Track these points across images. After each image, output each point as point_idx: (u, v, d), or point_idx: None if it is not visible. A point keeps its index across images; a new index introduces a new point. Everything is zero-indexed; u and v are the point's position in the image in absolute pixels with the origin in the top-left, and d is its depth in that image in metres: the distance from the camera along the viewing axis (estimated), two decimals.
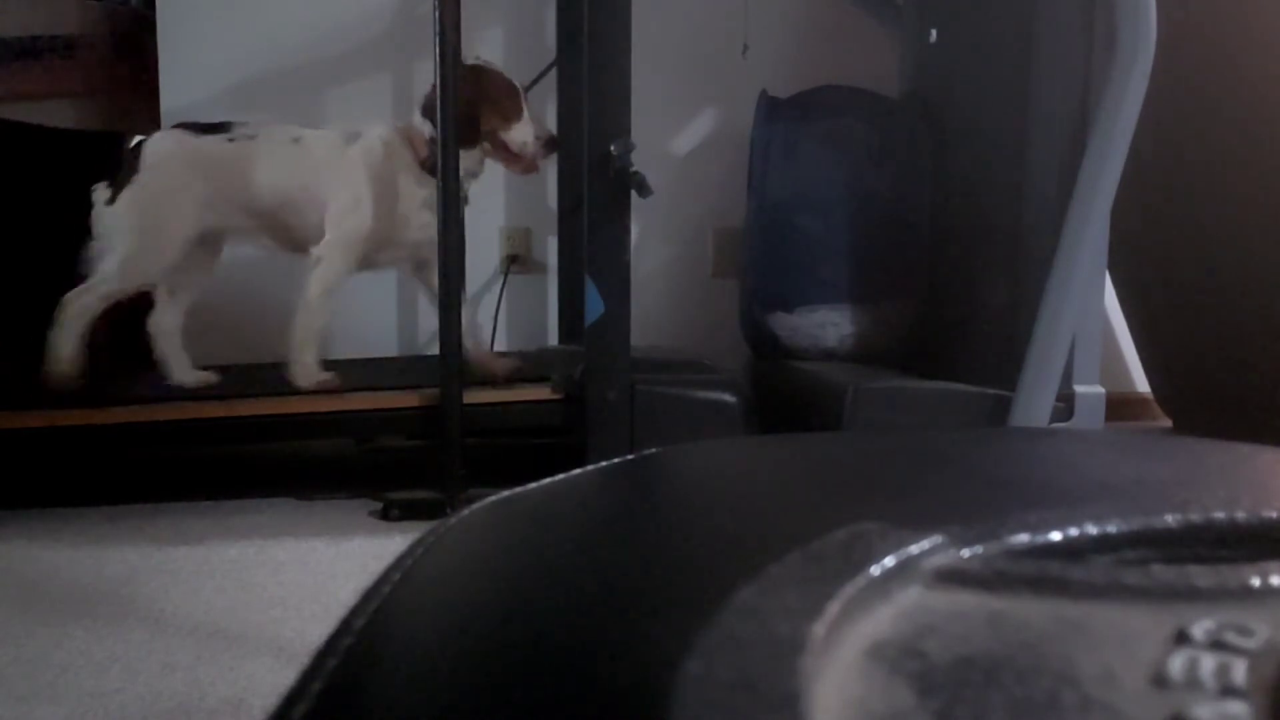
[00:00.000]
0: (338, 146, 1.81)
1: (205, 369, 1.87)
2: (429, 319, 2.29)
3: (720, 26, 2.34)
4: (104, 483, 1.93)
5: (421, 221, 1.78)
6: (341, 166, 1.79)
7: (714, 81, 2.40)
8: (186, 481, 1.98)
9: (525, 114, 1.80)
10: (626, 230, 1.66)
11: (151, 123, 2.28)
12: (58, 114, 2.18)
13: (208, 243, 1.85)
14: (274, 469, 2.08)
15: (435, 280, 1.78)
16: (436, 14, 1.65)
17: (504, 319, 2.36)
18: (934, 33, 2.06)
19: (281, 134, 1.83)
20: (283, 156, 1.81)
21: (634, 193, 1.62)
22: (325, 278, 1.77)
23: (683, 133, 2.43)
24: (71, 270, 2.45)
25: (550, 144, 1.84)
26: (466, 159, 1.77)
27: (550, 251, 2.36)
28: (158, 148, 1.80)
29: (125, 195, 1.77)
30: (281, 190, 1.80)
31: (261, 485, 1.87)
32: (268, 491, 1.83)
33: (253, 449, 2.08)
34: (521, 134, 1.79)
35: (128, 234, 1.77)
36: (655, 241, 2.42)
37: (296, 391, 1.79)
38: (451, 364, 1.69)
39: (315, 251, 1.78)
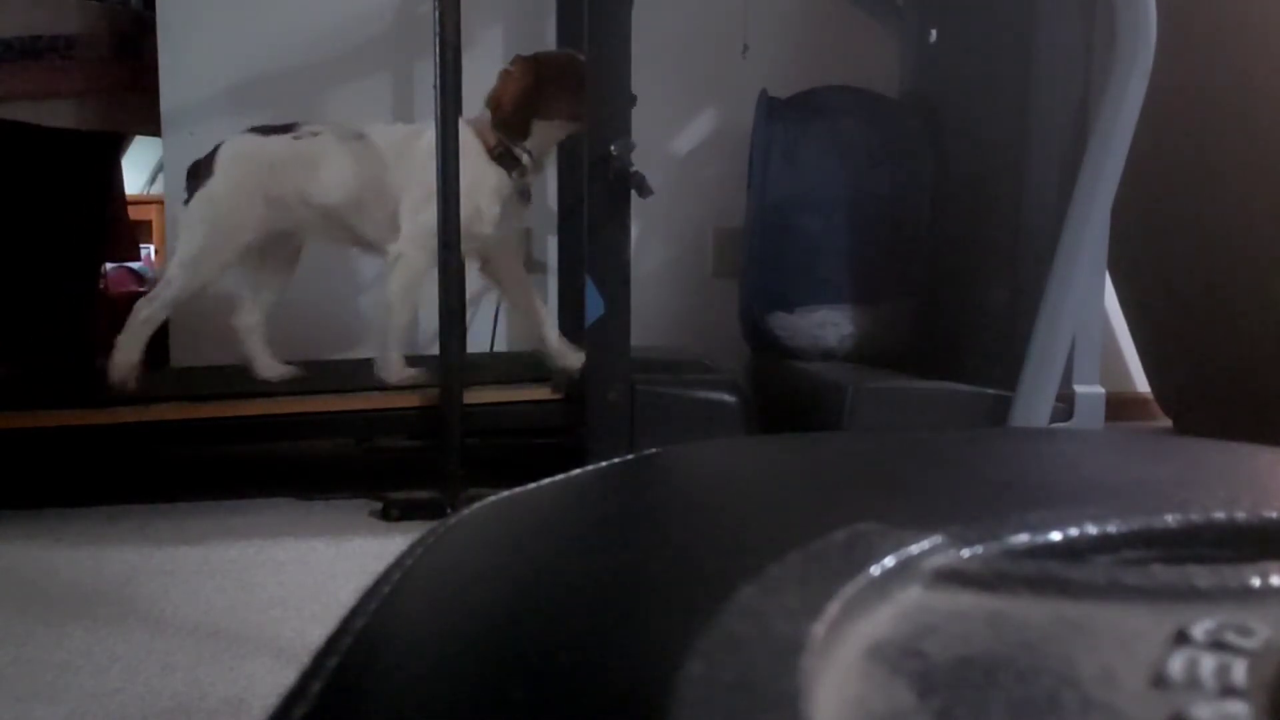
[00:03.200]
0: (405, 140, 1.82)
1: (207, 370, 1.87)
2: (429, 319, 2.29)
3: (720, 26, 2.34)
4: (104, 483, 1.93)
5: (494, 214, 1.78)
6: (412, 160, 1.79)
7: (714, 81, 2.40)
8: (186, 481, 1.98)
9: None
10: (626, 230, 1.66)
11: (151, 123, 2.28)
12: (58, 114, 2.18)
13: (285, 243, 1.88)
14: (274, 469, 2.08)
15: (504, 274, 1.80)
16: (436, 14, 1.65)
17: (504, 319, 2.36)
18: (934, 33, 2.06)
19: (345, 131, 1.85)
20: (347, 153, 1.82)
21: (634, 193, 1.62)
22: (406, 273, 1.78)
23: (683, 133, 2.43)
24: (71, 270, 2.45)
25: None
26: (533, 142, 1.78)
27: (550, 251, 2.36)
28: (229, 150, 1.82)
29: (197, 197, 1.82)
30: (348, 187, 1.81)
31: (261, 485, 1.87)
32: (268, 491, 1.83)
33: (253, 449, 2.08)
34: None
35: (191, 235, 1.81)
36: (655, 241, 2.42)
37: (295, 391, 1.79)
38: (452, 364, 1.69)
39: (393, 249, 1.79)
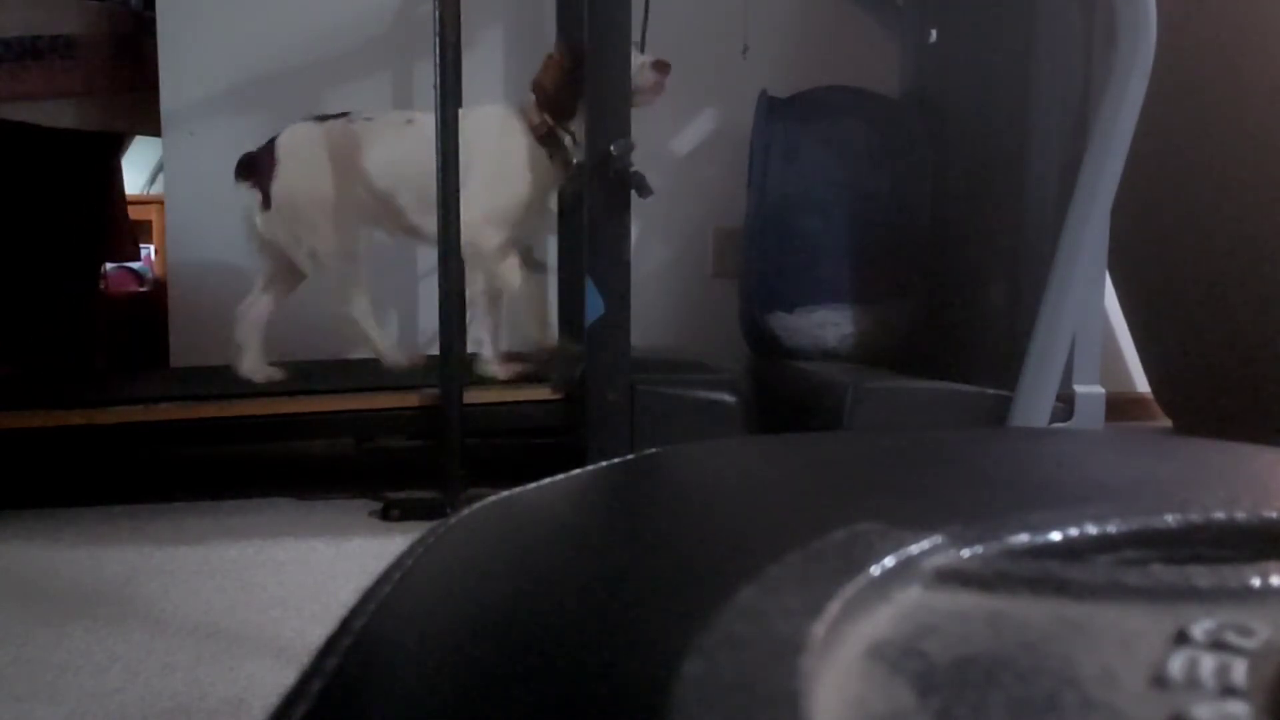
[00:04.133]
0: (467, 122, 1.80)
1: (208, 369, 1.87)
2: (429, 319, 2.30)
3: (720, 26, 2.34)
4: (104, 483, 1.93)
5: (532, 192, 1.79)
6: (476, 143, 1.78)
7: (714, 81, 2.40)
8: (186, 481, 1.98)
9: (634, 59, 1.75)
10: (626, 230, 1.66)
11: (151, 123, 2.28)
12: (58, 114, 2.18)
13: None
14: (274, 469, 2.08)
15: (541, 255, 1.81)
16: (436, 14, 1.65)
17: (504, 319, 2.35)
18: (934, 33, 2.06)
19: (396, 117, 1.86)
20: (399, 137, 1.83)
21: (634, 193, 1.62)
22: (488, 266, 1.79)
23: (683, 133, 2.43)
24: (71, 270, 2.45)
25: (660, 66, 1.78)
26: (577, 126, 1.79)
27: (550, 251, 2.36)
28: (289, 138, 1.83)
29: (274, 190, 1.81)
30: (401, 171, 1.82)
31: (261, 485, 1.87)
32: (268, 491, 1.83)
33: (253, 449, 2.08)
34: (639, 75, 1.75)
35: (299, 226, 1.81)
36: (655, 241, 2.42)
37: (295, 391, 1.79)
38: (452, 364, 1.69)
39: (465, 249, 1.74)
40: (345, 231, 1.82)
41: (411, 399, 1.75)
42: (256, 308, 1.88)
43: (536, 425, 1.81)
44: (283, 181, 1.80)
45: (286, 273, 1.89)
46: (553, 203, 1.84)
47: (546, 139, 1.80)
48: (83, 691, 1.03)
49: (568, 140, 1.80)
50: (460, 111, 1.81)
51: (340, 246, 1.82)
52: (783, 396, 1.97)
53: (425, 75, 2.12)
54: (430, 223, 1.78)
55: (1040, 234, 1.68)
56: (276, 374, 1.87)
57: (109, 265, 2.83)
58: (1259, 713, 0.21)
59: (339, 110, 1.89)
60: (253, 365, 1.87)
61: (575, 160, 1.82)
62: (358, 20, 2.30)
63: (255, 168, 1.82)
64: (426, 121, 1.81)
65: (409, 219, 1.86)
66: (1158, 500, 0.32)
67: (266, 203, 1.81)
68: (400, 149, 1.82)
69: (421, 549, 0.37)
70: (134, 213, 2.78)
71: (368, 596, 0.33)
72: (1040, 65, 1.71)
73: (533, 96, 1.82)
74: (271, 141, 1.83)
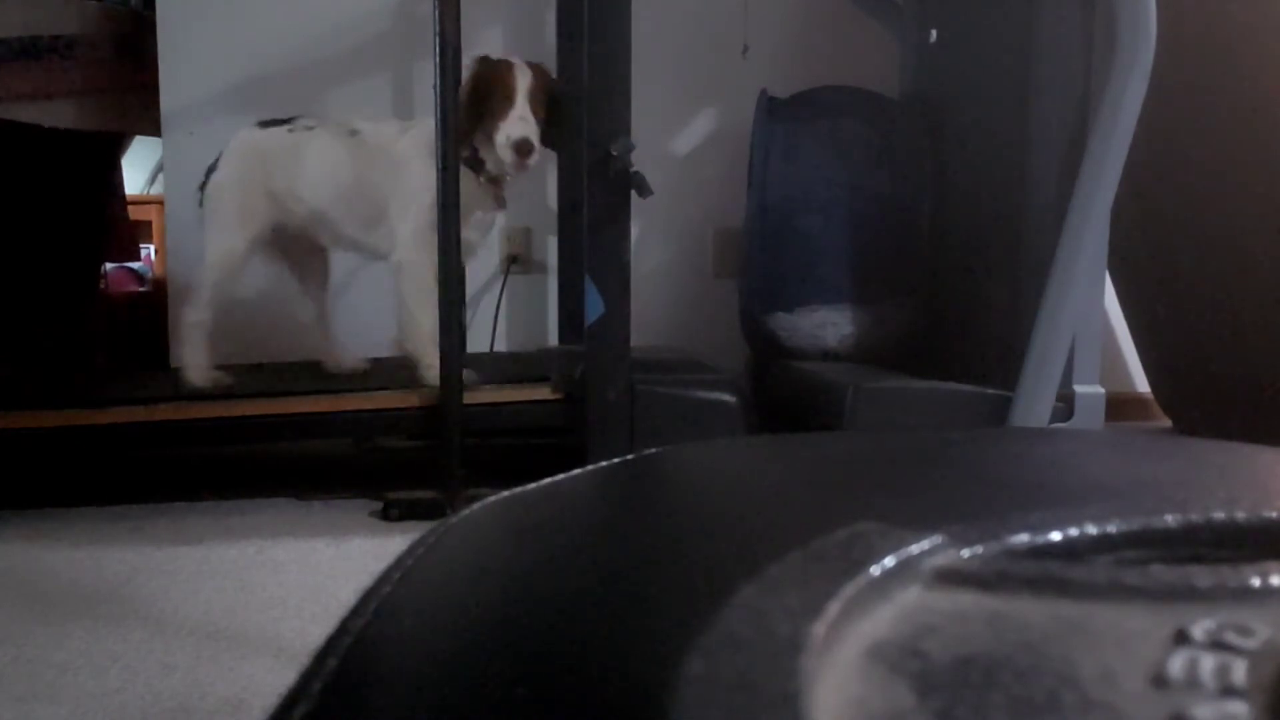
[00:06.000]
0: (393, 139, 1.81)
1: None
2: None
3: (720, 26, 2.34)
4: (104, 483, 1.93)
5: (469, 217, 1.77)
6: (397, 160, 1.79)
7: (714, 81, 2.39)
8: (186, 481, 1.98)
9: (512, 114, 1.71)
10: (626, 230, 1.66)
11: (151, 123, 2.28)
12: (58, 114, 2.17)
13: (268, 236, 1.88)
14: (274, 469, 2.08)
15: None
16: (436, 14, 1.65)
17: (504, 319, 2.36)
18: (934, 33, 2.06)
19: (339, 127, 1.85)
20: (339, 149, 1.82)
21: (634, 193, 1.62)
22: (416, 278, 1.77)
23: (683, 133, 2.43)
24: (71, 270, 2.45)
25: (519, 150, 1.70)
26: (488, 155, 1.77)
27: (550, 251, 2.36)
28: (233, 145, 1.85)
29: (207, 191, 1.84)
30: (336, 184, 1.82)
31: (261, 485, 1.87)
32: (268, 491, 1.83)
33: (253, 449, 2.08)
34: (501, 135, 1.71)
35: (209, 230, 1.84)
36: (655, 241, 2.42)
37: (295, 391, 1.79)
38: (452, 364, 1.69)
39: (395, 258, 1.78)
40: (241, 241, 1.82)
41: (412, 399, 1.76)
42: (195, 313, 1.85)
43: (536, 425, 1.81)
44: (214, 181, 1.84)
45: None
46: (481, 226, 1.82)
47: (469, 161, 1.76)
48: (83, 691, 1.03)
49: (489, 164, 1.77)
50: (402, 126, 1.85)
51: (225, 254, 1.82)
52: (783, 396, 1.97)
53: (425, 75, 2.12)
54: (367, 235, 1.80)
55: (1040, 234, 1.68)
56: (223, 379, 1.85)
57: (109, 265, 2.83)
58: (1259, 713, 0.21)
59: (287, 115, 1.89)
60: (196, 372, 1.83)
61: (504, 181, 1.80)
62: (358, 20, 2.30)
63: (210, 171, 1.86)
64: (372, 132, 1.83)
65: (343, 232, 1.85)
66: (1158, 500, 0.32)
67: (201, 202, 1.85)
68: (339, 160, 1.81)
69: (421, 549, 0.37)
70: (134, 213, 2.78)
71: (368, 596, 0.33)
72: (1040, 65, 1.71)
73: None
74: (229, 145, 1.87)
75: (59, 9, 2.17)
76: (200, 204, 1.86)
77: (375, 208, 1.81)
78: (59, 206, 2.36)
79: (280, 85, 2.28)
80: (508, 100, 1.72)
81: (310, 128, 1.85)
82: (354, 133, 1.84)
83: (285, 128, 1.85)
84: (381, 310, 2.33)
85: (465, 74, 1.72)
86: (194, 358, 1.82)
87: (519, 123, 1.70)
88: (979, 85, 1.90)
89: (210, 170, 1.86)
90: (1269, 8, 1.89)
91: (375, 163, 1.81)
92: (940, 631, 0.25)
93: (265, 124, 1.88)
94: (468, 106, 1.71)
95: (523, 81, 1.72)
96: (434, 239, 1.70)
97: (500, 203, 1.84)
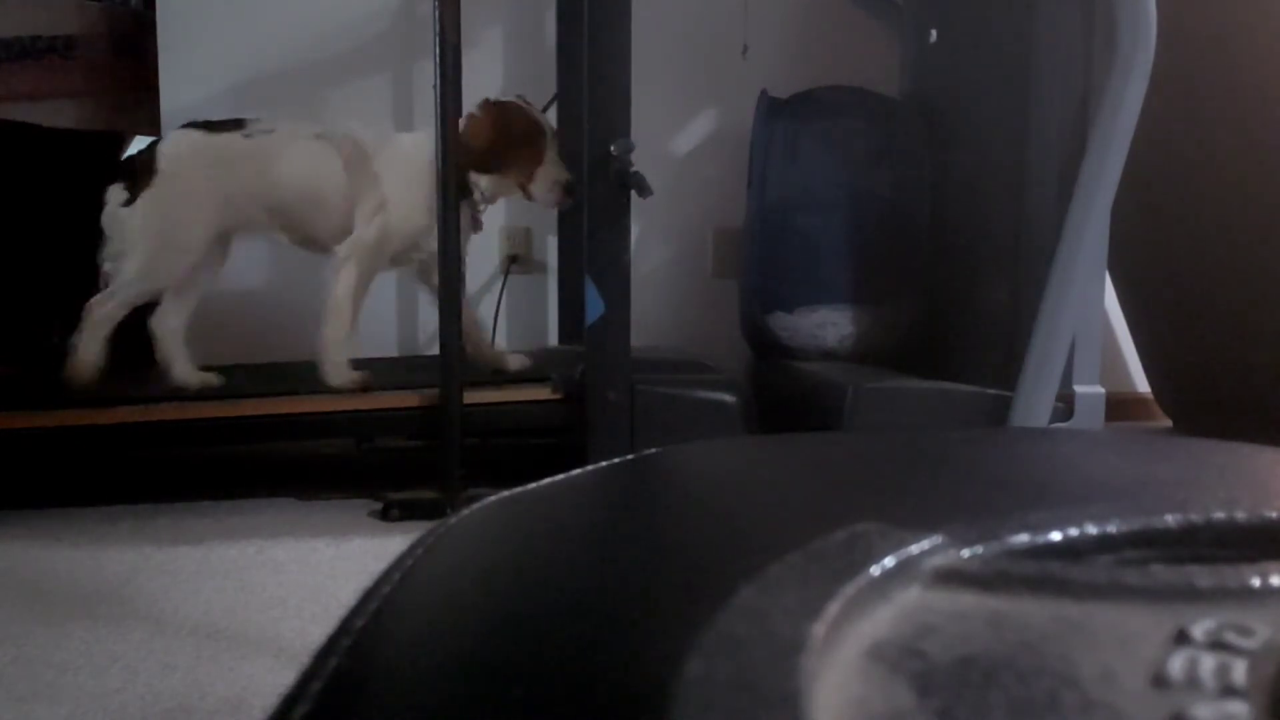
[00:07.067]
0: (370, 147, 1.82)
1: (207, 369, 1.87)
2: (429, 319, 2.29)
3: (720, 26, 2.34)
4: (104, 483, 1.93)
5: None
6: (373, 167, 1.80)
7: (714, 81, 2.39)
8: (186, 481, 1.98)
9: (547, 159, 1.80)
10: (626, 230, 1.66)
11: (151, 123, 2.28)
12: (58, 114, 2.17)
13: (219, 241, 1.85)
14: (274, 469, 2.08)
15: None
16: (436, 14, 1.65)
17: (504, 319, 2.35)
18: (934, 33, 2.06)
19: (302, 130, 1.82)
20: (306, 153, 1.81)
21: (634, 193, 1.62)
22: (351, 277, 1.77)
23: (683, 133, 2.43)
24: (71, 270, 2.45)
25: (567, 191, 1.82)
26: (491, 186, 1.82)
27: (550, 251, 2.36)
28: (173, 149, 1.79)
29: (143, 198, 1.76)
30: (304, 187, 1.80)
31: (261, 485, 1.87)
32: (268, 491, 1.83)
33: (253, 449, 2.08)
34: (545, 177, 1.80)
35: (147, 237, 1.77)
36: (655, 241, 2.42)
37: (295, 391, 1.79)
38: (452, 364, 1.69)
39: (340, 250, 1.78)
40: (178, 256, 1.78)
41: (412, 399, 1.76)
42: (171, 317, 1.82)
43: (536, 425, 1.81)
44: (154, 191, 1.76)
45: (193, 276, 1.82)
46: (463, 245, 1.82)
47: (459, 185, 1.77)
48: (83, 691, 1.03)
49: (478, 194, 1.81)
50: (385, 135, 1.86)
51: (187, 261, 1.78)
52: (783, 396, 1.97)
53: (425, 75, 2.12)
54: (333, 239, 1.79)
55: (1040, 234, 1.68)
56: (212, 379, 1.83)
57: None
58: (1259, 713, 0.21)
59: (230, 118, 1.84)
60: (184, 373, 1.81)
61: (481, 211, 1.85)
62: (358, 20, 2.30)
63: (134, 171, 1.79)
64: (341, 139, 1.81)
65: (310, 232, 1.84)
66: (1158, 500, 0.32)
67: (129, 204, 1.77)
68: (309, 164, 1.80)
69: (421, 549, 0.37)
70: None
71: (368, 596, 0.33)
72: (1040, 65, 1.71)
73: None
74: (154, 145, 1.80)
75: (59, 9, 2.17)
76: (125, 206, 1.78)
77: (339, 211, 1.80)
78: (59, 206, 2.36)
79: (280, 85, 2.28)
80: (536, 146, 1.80)
81: (268, 132, 1.81)
82: (320, 136, 1.81)
83: (239, 133, 1.80)
84: (382, 310, 2.33)
85: (482, 117, 1.80)
86: (89, 355, 1.76)
87: (560, 166, 1.82)
88: (979, 85, 1.90)
89: (132, 172, 1.79)
90: (1269, 7, 1.90)
91: (348, 167, 1.79)
92: (940, 631, 0.25)
93: (205, 126, 1.81)
94: (495, 144, 1.78)
95: (549, 129, 1.83)
96: (384, 249, 1.78)
97: (478, 226, 1.88)
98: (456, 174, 1.73)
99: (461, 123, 1.76)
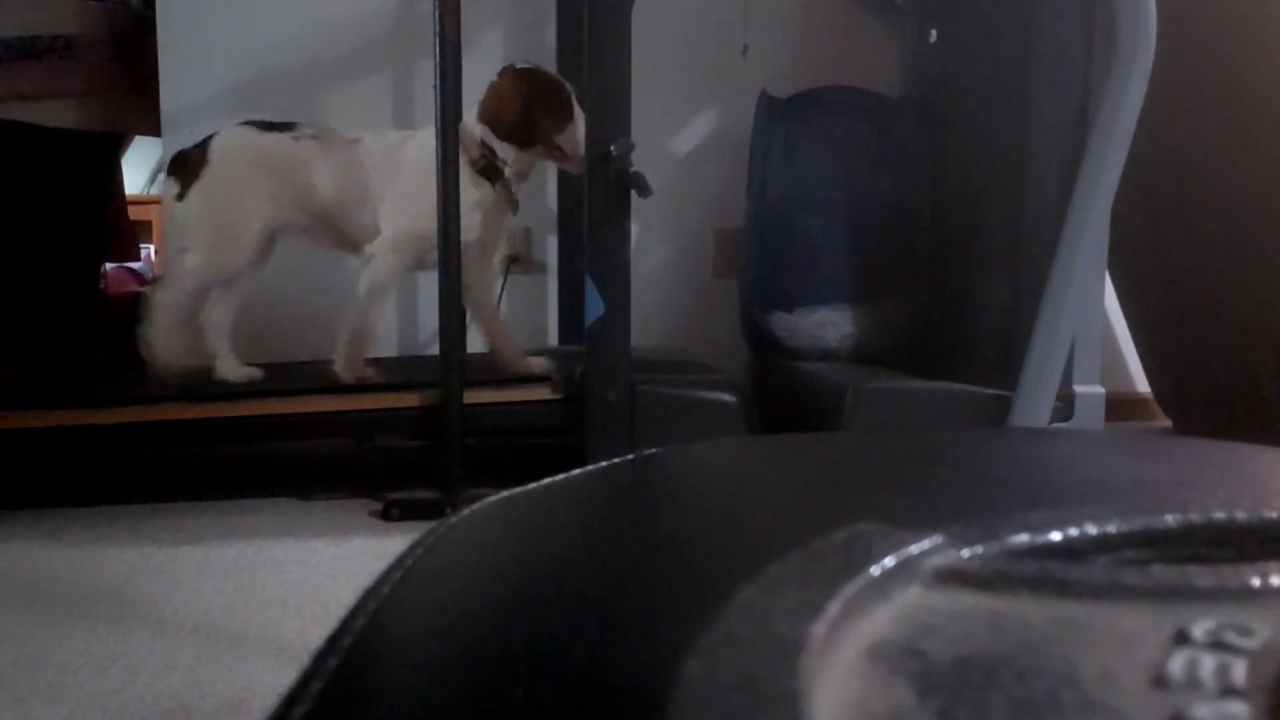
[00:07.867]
0: (394, 146, 1.84)
1: (203, 369, 1.87)
2: (429, 319, 2.29)
3: (720, 27, 2.34)
4: (104, 483, 1.93)
5: (471, 222, 1.77)
6: (397, 166, 1.81)
7: (714, 81, 2.40)
8: (186, 481, 1.98)
9: (576, 114, 1.79)
10: (626, 230, 1.66)
11: (151, 123, 2.28)
12: (58, 114, 2.17)
13: (265, 238, 1.87)
14: (274, 469, 2.08)
15: (472, 280, 1.81)
16: (436, 14, 1.65)
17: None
18: (934, 33, 2.06)
19: (340, 137, 1.86)
20: (342, 156, 1.83)
21: (634, 193, 1.62)
22: (376, 276, 1.79)
23: (683, 133, 2.43)
24: (71, 270, 2.45)
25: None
26: (519, 161, 1.81)
27: (550, 251, 2.36)
28: (225, 144, 1.82)
29: (195, 189, 1.80)
30: (339, 189, 1.83)
31: (261, 485, 1.87)
32: (268, 491, 1.83)
33: (253, 449, 2.08)
34: (574, 135, 1.78)
35: (206, 228, 1.81)
36: (655, 241, 2.42)
37: (295, 391, 1.79)
38: (451, 364, 1.69)
39: (368, 249, 1.80)
40: (238, 247, 1.81)
41: (412, 399, 1.76)
42: (219, 312, 1.85)
43: (536, 425, 1.81)
44: (205, 182, 1.80)
45: (242, 273, 1.86)
46: (487, 230, 1.82)
47: (486, 170, 1.79)
48: (83, 691, 1.03)
49: (508, 171, 1.81)
50: (406, 134, 1.86)
51: (245, 252, 1.81)
52: (783, 396, 1.97)
53: (425, 75, 2.12)
54: (366, 239, 1.81)
55: (1040, 234, 1.68)
56: (255, 373, 1.85)
57: (109, 265, 2.83)
58: (1259, 713, 0.21)
59: (283, 120, 1.88)
60: (228, 368, 1.85)
61: (516, 191, 1.84)
62: (358, 20, 2.30)
63: (186, 165, 1.82)
64: (369, 141, 1.84)
65: (347, 234, 1.86)
66: (1158, 500, 0.32)
67: (181, 196, 1.81)
68: (343, 167, 1.82)
69: (421, 549, 0.37)
70: (134, 213, 2.77)
71: (368, 596, 0.33)
72: (1040, 65, 1.71)
73: (471, 127, 1.80)
74: (207, 141, 1.83)
75: (59, 9, 2.17)
76: (178, 199, 1.81)
77: (370, 211, 1.82)
78: (59, 206, 2.36)
79: (280, 85, 2.28)
80: (564, 104, 1.79)
81: (314, 136, 1.85)
82: (355, 141, 1.85)
83: (289, 135, 1.85)
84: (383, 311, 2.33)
85: (508, 83, 1.79)
86: (160, 343, 1.79)
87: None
88: (979, 85, 1.90)
89: (183, 166, 1.82)
90: (1269, 8, 1.89)
91: (374, 168, 1.82)
92: (940, 631, 0.25)
93: (260, 125, 1.85)
94: (527, 114, 1.77)
95: (574, 92, 1.81)
96: (410, 249, 1.78)
97: (515, 207, 1.87)
98: (488, 153, 1.77)
99: (485, 93, 1.79)
